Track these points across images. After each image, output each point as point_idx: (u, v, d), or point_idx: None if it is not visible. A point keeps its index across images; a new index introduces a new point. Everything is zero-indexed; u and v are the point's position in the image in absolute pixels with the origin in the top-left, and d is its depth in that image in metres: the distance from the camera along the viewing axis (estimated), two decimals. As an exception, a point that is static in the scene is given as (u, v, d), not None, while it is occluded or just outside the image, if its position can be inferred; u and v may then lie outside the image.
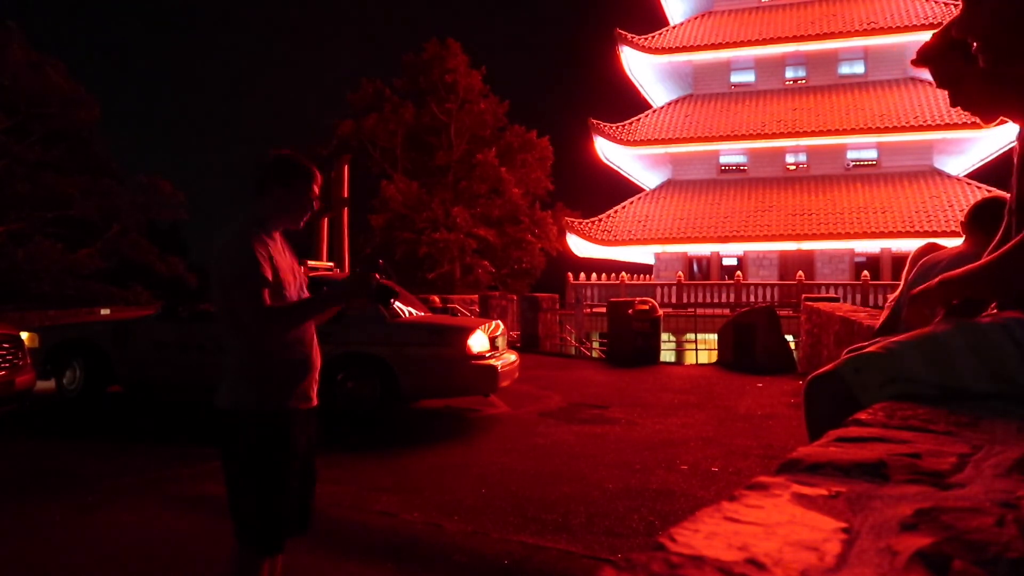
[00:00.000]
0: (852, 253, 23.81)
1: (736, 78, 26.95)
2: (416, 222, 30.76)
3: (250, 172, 2.47)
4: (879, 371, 1.24)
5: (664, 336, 14.46)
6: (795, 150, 25.31)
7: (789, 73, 26.44)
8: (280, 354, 2.32)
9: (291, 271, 2.40)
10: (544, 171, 33.81)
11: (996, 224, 2.45)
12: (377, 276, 2.41)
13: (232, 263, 2.25)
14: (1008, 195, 1.45)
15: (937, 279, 1.39)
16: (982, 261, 1.34)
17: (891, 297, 3.17)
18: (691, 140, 25.14)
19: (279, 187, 2.37)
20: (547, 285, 28.01)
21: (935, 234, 20.69)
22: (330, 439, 5.92)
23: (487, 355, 6.78)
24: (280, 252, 2.37)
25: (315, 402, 2.44)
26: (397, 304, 7.27)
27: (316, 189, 2.45)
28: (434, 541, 3.60)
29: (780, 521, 0.55)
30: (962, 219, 2.81)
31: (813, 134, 24.02)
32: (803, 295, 13.91)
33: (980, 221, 2.74)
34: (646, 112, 27.19)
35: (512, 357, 7.43)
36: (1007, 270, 1.28)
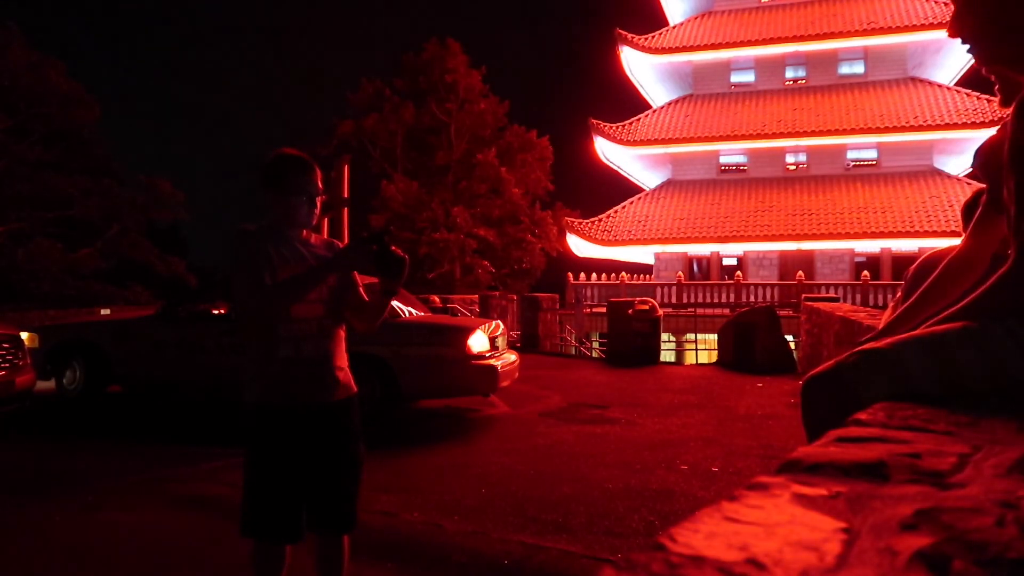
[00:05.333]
0: (852, 253, 23.81)
1: (736, 78, 26.95)
2: (416, 222, 30.76)
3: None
4: (880, 367, 1.24)
5: (664, 336, 14.46)
6: (795, 150, 25.32)
7: (789, 73, 26.44)
8: (274, 348, 2.30)
9: (297, 267, 2.32)
10: (544, 171, 33.81)
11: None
12: (379, 245, 2.27)
13: (230, 258, 2.31)
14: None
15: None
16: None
17: (892, 301, 3.19)
18: (691, 140, 25.14)
19: (273, 191, 2.37)
20: (547, 285, 28.04)
21: (935, 234, 20.69)
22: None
23: (487, 355, 6.78)
24: (292, 251, 2.34)
25: (328, 397, 2.36)
26: (397, 304, 7.27)
27: (314, 181, 2.38)
28: (434, 541, 3.60)
29: (780, 521, 0.55)
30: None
31: (813, 134, 24.02)
32: (803, 295, 13.91)
33: (971, 215, 2.77)
34: (646, 112, 27.19)
35: (512, 357, 7.42)
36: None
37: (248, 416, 2.34)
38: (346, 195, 18.67)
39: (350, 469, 2.42)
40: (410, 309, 7.49)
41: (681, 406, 7.62)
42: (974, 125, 21.85)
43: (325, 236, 2.56)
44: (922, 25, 23.12)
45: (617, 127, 26.04)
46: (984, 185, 1.52)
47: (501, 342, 7.47)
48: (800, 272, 21.79)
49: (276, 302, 2.23)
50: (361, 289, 2.49)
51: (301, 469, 2.33)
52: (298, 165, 2.37)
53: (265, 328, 2.32)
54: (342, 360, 2.44)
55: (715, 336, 12.80)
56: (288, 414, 2.31)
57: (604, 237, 25.08)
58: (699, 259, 26.01)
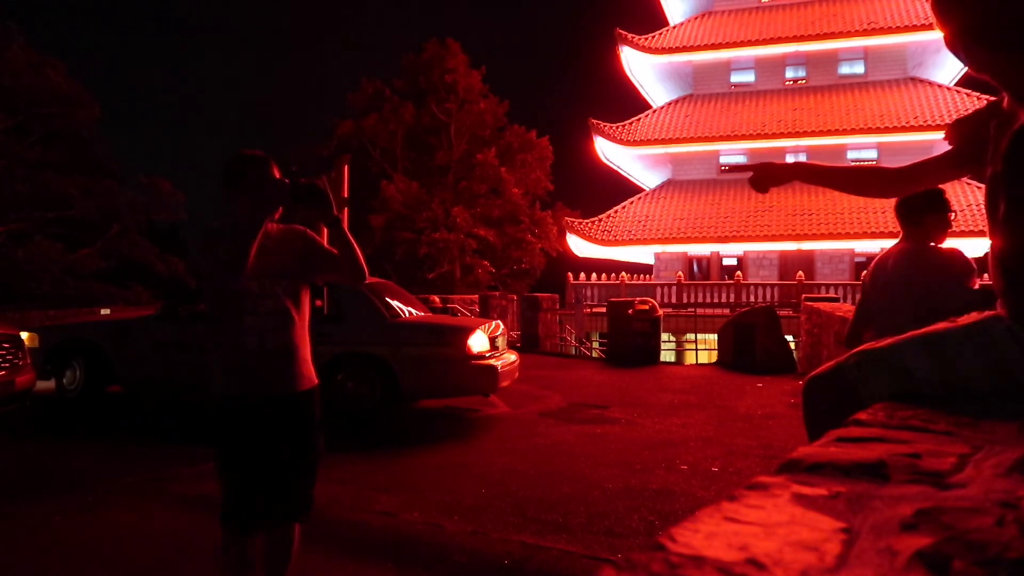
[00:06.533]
0: (852, 253, 23.80)
1: (736, 78, 26.94)
2: (416, 222, 30.75)
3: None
4: (880, 367, 1.24)
5: (664, 336, 14.46)
6: (795, 150, 25.29)
7: (789, 73, 26.42)
8: (240, 340, 2.38)
9: (260, 261, 2.37)
10: (544, 171, 33.81)
11: (911, 215, 2.67)
12: (291, 179, 2.38)
13: (194, 253, 2.43)
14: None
15: None
16: None
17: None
18: (691, 140, 25.13)
19: (233, 190, 2.43)
20: (547, 285, 28.01)
21: (935, 234, 20.65)
22: (330, 439, 5.92)
23: (487, 355, 6.78)
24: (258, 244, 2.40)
25: (292, 388, 2.44)
26: (397, 304, 7.27)
27: (271, 173, 2.43)
28: (434, 541, 3.60)
29: (780, 521, 0.55)
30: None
31: (813, 134, 24.01)
32: (803, 295, 13.90)
33: (900, 214, 2.86)
34: (646, 112, 27.17)
35: (512, 357, 7.42)
36: None
37: (215, 407, 2.41)
38: (346, 195, 18.73)
39: (308, 458, 2.50)
40: (410, 309, 7.49)
41: (681, 406, 7.62)
42: (974, 125, 21.77)
43: (297, 226, 2.59)
44: (922, 25, 23.10)
45: (617, 127, 26.03)
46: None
47: (501, 342, 7.47)
48: (800, 272, 21.78)
49: (232, 265, 2.28)
50: (328, 247, 2.57)
51: (263, 459, 2.40)
52: (254, 163, 2.44)
53: (232, 319, 2.38)
54: (306, 352, 2.52)
55: (715, 336, 12.79)
56: (253, 404, 2.38)
57: (604, 237, 25.06)
58: (699, 259, 26.00)
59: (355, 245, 2.52)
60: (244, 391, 2.39)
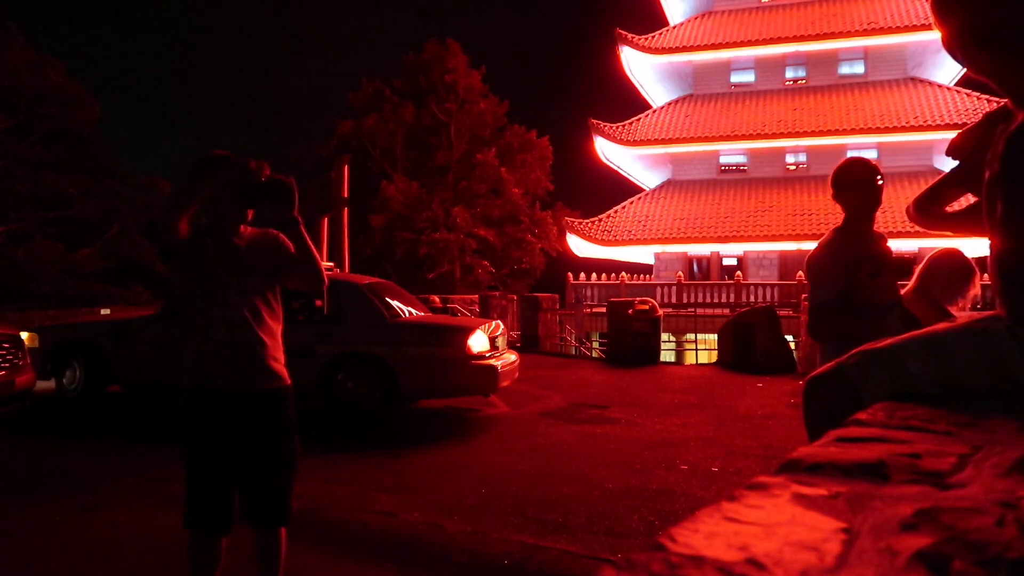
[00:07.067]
0: (852, 253, 23.79)
1: (736, 78, 26.94)
2: (416, 222, 30.77)
3: None
4: (880, 367, 1.24)
5: (664, 336, 14.46)
6: (795, 150, 25.31)
7: (789, 73, 26.43)
8: (208, 331, 2.38)
9: (231, 257, 2.39)
10: (544, 171, 33.84)
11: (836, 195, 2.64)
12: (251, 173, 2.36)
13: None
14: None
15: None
16: None
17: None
18: (691, 140, 25.13)
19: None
20: (547, 285, 28.04)
21: (935, 234, 20.66)
22: (330, 439, 5.93)
23: (487, 355, 6.78)
24: (228, 246, 2.41)
25: (259, 384, 2.41)
26: (397, 304, 7.26)
27: (231, 174, 2.38)
28: (434, 541, 3.60)
29: (780, 521, 0.55)
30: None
31: (813, 134, 24.01)
32: (803, 295, 13.90)
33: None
34: (646, 112, 27.18)
35: (512, 357, 7.42)
36: None
37: (183, 400, 2.42)
38: (346, 195, 18.71)
39: (282, 460, 2.46)
40: (410, 309, 7.49)
41: (681, 406, 7.62)
42: (974, 125, 21.78)
43: (271, 230, 2.58)
44: (922, 25, 23.10)
45: (617, 127, 26.03)
46: None
47: (501, 342, 7.47)
48: (800, 272, 21.78)
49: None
50: (293, 251, 2.54)
51: (231, 457, 2.39)
52: (211, 162, 2.39)
53: (202, 311, 2.39)
54: (278, 351, 2.50)
55: (715, 336, 12.79)
56: (219, 398, 2.37)
57: (604, 237, 25.06)
58: (699, 259, 26.01)
59: (313, 250, 2.48)
60: (212, 383, 2.37)
